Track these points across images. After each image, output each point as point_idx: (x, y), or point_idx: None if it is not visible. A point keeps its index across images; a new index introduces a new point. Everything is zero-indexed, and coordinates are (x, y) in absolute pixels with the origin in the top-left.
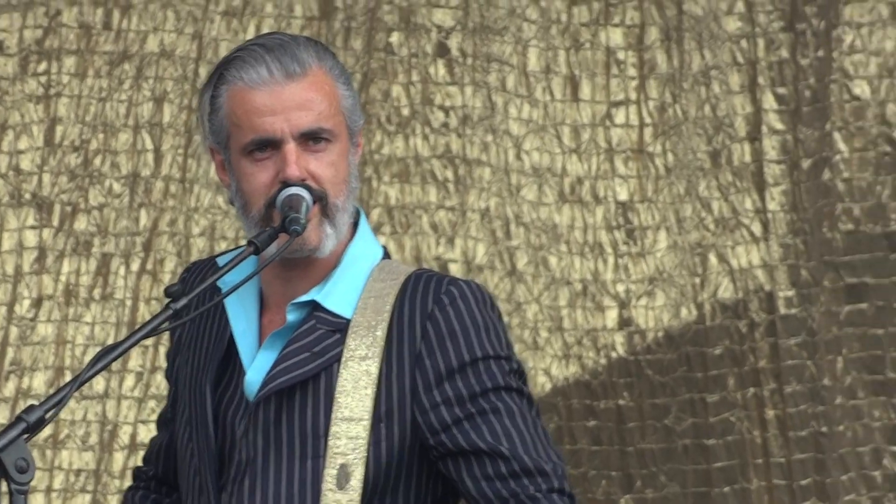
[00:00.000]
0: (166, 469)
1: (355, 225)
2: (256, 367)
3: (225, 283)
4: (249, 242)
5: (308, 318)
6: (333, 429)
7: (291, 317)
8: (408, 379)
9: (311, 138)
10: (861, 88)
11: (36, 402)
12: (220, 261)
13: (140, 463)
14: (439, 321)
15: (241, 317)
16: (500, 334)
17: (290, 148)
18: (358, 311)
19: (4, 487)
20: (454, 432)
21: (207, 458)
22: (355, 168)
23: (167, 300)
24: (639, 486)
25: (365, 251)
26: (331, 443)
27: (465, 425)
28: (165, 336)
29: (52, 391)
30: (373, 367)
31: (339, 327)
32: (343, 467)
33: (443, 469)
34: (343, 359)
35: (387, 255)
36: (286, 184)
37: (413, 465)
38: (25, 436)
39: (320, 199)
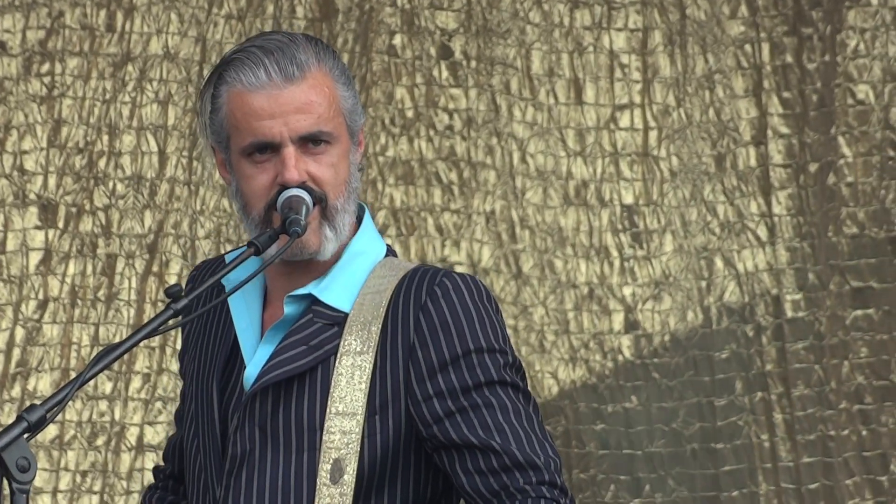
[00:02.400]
0: (182, 467)
1: (359, 221)
2: (255, 361)
3: (228, 282)
4: (250, 244)
5: (306, 311)
6: (327, 423)
7: (288, 309)
8: (401, 371)
9: (311, 141)
10: (865, 93)
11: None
12: (228, 258)
13: (156, 460)
14: (432, 313)
15: (244, 313)
16: (495, 327)
17: (289, 152)
18: (356, 307)
19: (6, 487)
20: (446, 425)
21: (213, 455)
22: (356, 168)
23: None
24: (647, 491)
25: (367, 248)
26: (325, 437)
27: (458, 418)
28: (172, 337)
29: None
30: (367, 361)
31: (337, 321)
32: (336, 462)
33: (437, 462)
34: (339, 353)
35: (392, 254)
36: (285, 187)
37: (410, 458)
38: (26, 435)
39: (320, 201)
